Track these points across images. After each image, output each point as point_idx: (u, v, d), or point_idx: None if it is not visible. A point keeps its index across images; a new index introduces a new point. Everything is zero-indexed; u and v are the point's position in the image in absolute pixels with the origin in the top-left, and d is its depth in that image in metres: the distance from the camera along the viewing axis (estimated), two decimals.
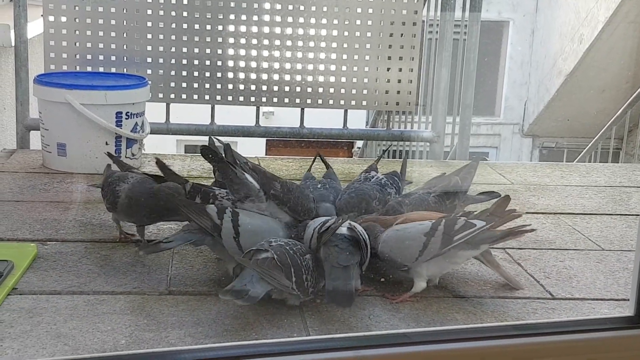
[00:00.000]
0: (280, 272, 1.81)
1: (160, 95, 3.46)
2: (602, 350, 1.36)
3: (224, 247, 1.96)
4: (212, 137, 2.41)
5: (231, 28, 3.47)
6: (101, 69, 3.39)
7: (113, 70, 3.40)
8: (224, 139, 3.71)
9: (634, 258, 1.42)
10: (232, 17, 3.46)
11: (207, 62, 3.47)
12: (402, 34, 3.55)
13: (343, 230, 1.95)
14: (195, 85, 3.48)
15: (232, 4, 3.45)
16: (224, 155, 2.13)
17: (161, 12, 3.41)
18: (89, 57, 3.38)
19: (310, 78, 3.54)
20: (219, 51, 3.47)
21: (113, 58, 3.40)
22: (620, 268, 2.25)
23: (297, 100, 3.57)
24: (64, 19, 3.35)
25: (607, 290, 2.11)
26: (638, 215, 2.82)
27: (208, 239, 1.97)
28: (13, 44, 3.36)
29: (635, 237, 2.51)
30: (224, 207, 1.99)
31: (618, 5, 7.49)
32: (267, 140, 8.78)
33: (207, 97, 3.50)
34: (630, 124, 6.07)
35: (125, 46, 3.40)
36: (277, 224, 2.07)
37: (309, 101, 3.57)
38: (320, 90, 3.56)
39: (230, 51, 3.49)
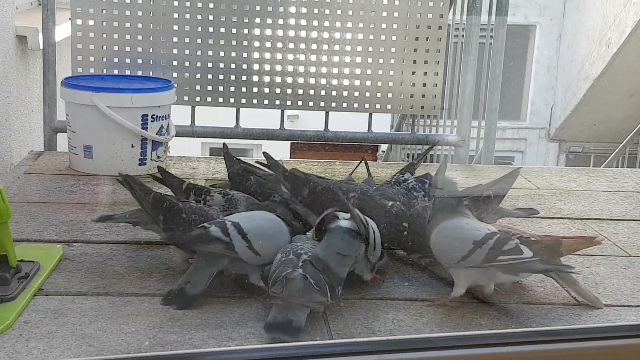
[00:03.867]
0: (318, 294, 1.80)
1: (186, 98, 3.48)
2: (629, 358, 1.34)
3: (239, 260, 1.94)
4: (225, 144, 2.49)
5: (256, 31, 3.49)
6: (127, 72, 3.42)
7: (139, 73, 3.43)
8: (248, 141, 3.75)
9: None
10: (257, 20, 3.48)
11: (233, 65, 3.48)
12: (427, 38, 3.54)
13: (344, 223, 1.97)
14: (221, 88, 3.50)
15: (258, 8, 3.46)
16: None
17: (187, 16, 3.43)
18: (115, 60, 3.41)
19: (335, 81, 3.55)
20: (244, 54, 3.49)
21: (139, 61, 3.43)
22: None
23: (322, 104, 3.57)
24: (91, 22, 3.39)
25: (634, 297, 2.09)
26: None
27: (224, 261, 1.94)
28: (41, 47, 3.39)
29: None
30: (224, 223, 1.96)
31: None
32: (291, 143, 8.82)
33: (232, 100, 3.52)
34: None
35: (151, 49, 3.43)
36: (276, 217, 2.07)
37: (333, 104, 3.57)
38: (345, 93, 3.56)
39: (256, 54, 3.50)
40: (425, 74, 3.56)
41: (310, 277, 1.81)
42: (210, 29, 3.45)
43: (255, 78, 3.51)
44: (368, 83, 3.56)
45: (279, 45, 3.50)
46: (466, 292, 1.98)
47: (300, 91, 3.54)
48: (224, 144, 2.52)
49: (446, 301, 1.97)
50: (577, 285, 2.02)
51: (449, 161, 4.02)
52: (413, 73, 3.56)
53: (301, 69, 3.52)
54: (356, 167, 2.74)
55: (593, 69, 8.82)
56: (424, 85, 3.58)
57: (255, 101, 3.53)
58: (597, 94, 8.77)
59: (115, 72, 3.42)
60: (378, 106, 3.59)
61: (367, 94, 3.57)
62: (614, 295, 2.09)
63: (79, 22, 3.39)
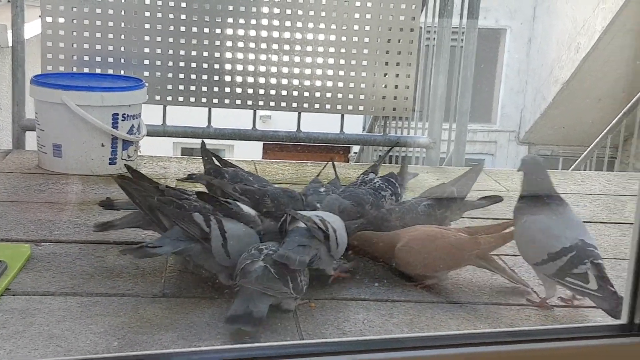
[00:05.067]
0: (278, 283, 1.82)
1: (157, 98, 3.45)
2: (595, 358, 1.36)
3: (210, 255, 1.95)
4: (203, 141, 2.45)
5: (229, 31, 3.48)
6: (98, 70, 3.39)
7: (110, 71, 3.40)
8: (220, 142, 3.74)
9: (627, 266, 1.43)
10: (230, 20, 3.47)
11: (205, 65, 3.47)
12: (399, 40, 3.56)
13: (302, 224, 1.99)
14: (192, 87, 3.48)
15: (231, 8, 3.45)
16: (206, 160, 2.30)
17: (159, 15, 3.41)
18: (86, 58, 3.38)
19: (307, 82, 3.55)
20: (217, 54, 3.47)
21: (110, 59, 3.40)
22: (614, 276, 2.23)
23: (294, 105, 3.57)
24: (61, 20, 3.35)
25: None
26: (632, 223, 2.81)
27: (196, 247, 1.96)
28: (10, 45, 3.36)
29: (629, 246, 2.51)
30: (208, 215, 1.99)
31: (615, 14, 7.51)
32: (263, 143, 8.79)
33: (204, 99, 3.50)
34: (626, 133, 6.08)
35: (122, 48, 3.40)
36: (251, 228, 2.09)
37: (305, 105, 3.57)
38: (318, 94, 3.56)
39: (228, 54, 3.49)
40: (397, 75, 3.58)
41: (271, 267, 1.83)
42: (183, 28, 3.43)
43: (228, 78, 3.50)
44: (340, 84, 3.56)
45: (252, 45, 3.49)
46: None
47: (273, 92, 3.54)
48: (202, 141, 2.51)
49: (543, 303, 2.01)
50: (505, 271, 2.11)
51: (420, 163, 4.05)
52: (385, 75, 3.58)
53: (274, 69, 3.52)
54: (322, 168, 2.75)
55: (562, 73, 8.92)
56: (396, 87, 3.59)
57: (227, 101, 3.52)
58: (566, 98, 8.86)
59: (86, 70, 3.38)
60: (350, 107, 3.60)
61: (340, 95, 3.57)
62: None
63: (49, 19, 3.35)
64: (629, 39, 7.76)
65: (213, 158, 2.48)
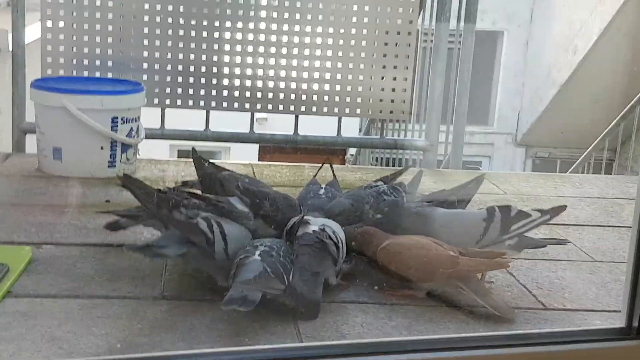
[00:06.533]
0: (275, 281, 1.84)
1: (156, 101, 3.46)
2: None
3: (210, 257, 1.97)
4: (194, 148, 2.46)
5: (227, 35, 3.49)
6: (97, 74, 3.40)
7: (109, 75, 3.40)
8: (216, 144, 3.75)
9: (625, 270, 1.44)
10: (228, 24, 3.48)
11: (203, 69, 3.48)
12: (397, 43, 3.57)
13: (313, 229, 2.01)
14: (191, 91, 3.49)
15: (229, 12, 3.46)
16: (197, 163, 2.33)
17: (158, 19, 3.42)
18: (85, 62, 3.39)
19: (304, 85, 3.56)
20: (215, 58, 3.49)
21: (109, 63, 3.41)
22: (612, 280, 2.27)
23: (292, 107, 3.58)
24: (61, 24, 3.36)
25: (599, 301, 2.13)
26: (630, 227, 2.83)
27: (193, 251, 1.97)
28: (10, 49, 3.36)
29: (627, 249, 2.53)
30: (209, 219, 2.00)
31: (612, 17, 7.54)
32: (260, 146, 8.80)
33: (202, 103, 3.51)
34: (623, 136, 6.11)
35: (121, 52, 3.41)
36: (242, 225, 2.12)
37: (303, 108, 3.58)
38: (315, 97, 3.58)
39: (226, 58, 3.50)
40: (395, 79, 3.59)
41: (267, 266, 1.85)
42: (181, 32, 3.44)
43: (225, 81, 3.51)
44: (338, 87, 3.57)
45: (249, 49, 3.50)
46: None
47: (270, 95, 3.55)
48: (193, 148, 2.52)
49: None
50: (488, 296, 2.00)
51: (418, 165, 4.06)
52: (382, 78, 3.59)
53: (271, 72, 3.53)
54: (319, 169, 2.74)
55: (560, 75, 8.94)
56: (393, 90, 3.60)
57: (225, 104, 3.53)
58: (564, 100, 8.88)
59: (85, 74, 3.39)
60: (347, 110, 3.61)
61: (337, 98, 3.58)
62: (580, 299, 2.13)
63: (49, 23, 3.35)
64: (626, 41, 7.79)
65: (206, 164, 2.47)
